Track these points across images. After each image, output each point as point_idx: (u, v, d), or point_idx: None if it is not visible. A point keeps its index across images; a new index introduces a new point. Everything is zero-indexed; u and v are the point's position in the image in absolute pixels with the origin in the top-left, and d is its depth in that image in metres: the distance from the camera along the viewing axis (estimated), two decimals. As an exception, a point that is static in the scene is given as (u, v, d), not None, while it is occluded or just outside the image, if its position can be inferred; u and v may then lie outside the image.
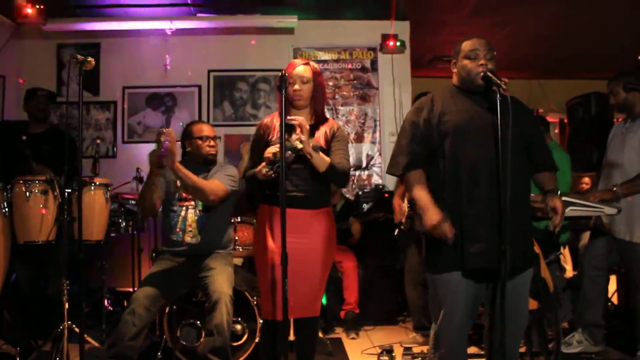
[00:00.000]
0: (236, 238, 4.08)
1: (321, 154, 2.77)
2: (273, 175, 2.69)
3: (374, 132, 6.14)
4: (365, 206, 5.66)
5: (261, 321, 3.41)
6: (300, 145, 2.66)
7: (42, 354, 3.60)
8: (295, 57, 6.04)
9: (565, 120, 6.49)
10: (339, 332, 4.80)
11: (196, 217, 3.56)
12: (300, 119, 2.69)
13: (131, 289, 4.88)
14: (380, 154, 6.11)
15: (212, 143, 3.64)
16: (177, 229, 3.55)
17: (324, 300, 4.53)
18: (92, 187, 3.98)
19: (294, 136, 2.67)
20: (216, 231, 3.60)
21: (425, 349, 4.02)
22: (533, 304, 3.15)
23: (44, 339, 3.70)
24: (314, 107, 2.93)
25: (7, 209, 3.63)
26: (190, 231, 3.54)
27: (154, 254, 3.94)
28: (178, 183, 3.57)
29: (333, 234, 2.94)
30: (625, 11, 5.64)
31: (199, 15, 5.82)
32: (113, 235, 4.69)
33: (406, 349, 4.02)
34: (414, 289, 4.36)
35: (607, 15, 5.75)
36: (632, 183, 3.56)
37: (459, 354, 2.59)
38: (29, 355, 3.60)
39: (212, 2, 5.75)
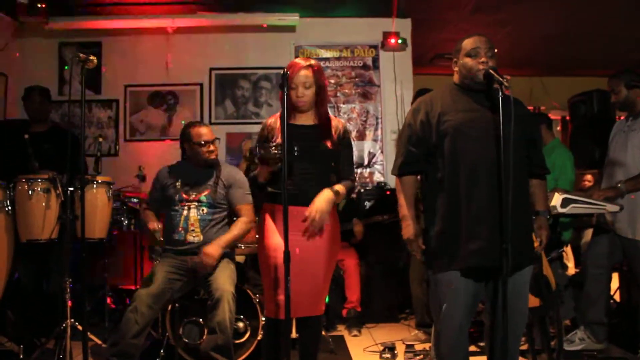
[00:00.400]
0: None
1: (339, 190, 2.82)
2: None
3: (376, 129, 6.14)
4: (367, 204, 5.67)
5: (263, 319, 3.42)
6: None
7: (45, 351, 3.61)
8: (297, 55, 6.04)
9: (567, 118, 6.50)
10: (341, 330, 4.81)
11: (199, 217, 3.56)
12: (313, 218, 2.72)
13: (134, 287, 4.89)
14: (382, 152, 6.11)
15: (211, 148, 3.62)
16: (180, 228, 3.54)
17: (326, 299, 4.53)
18: (95, 185, 3.99)
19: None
20: (219, 230, 3.60)
21: (427, 346, 4.02)
22: (535, 302, 3.15)
23: (47, 336, 3.70)
24: (317, 109, 2.92)
25: (9, 208, 3.64)
26: (193, 230, 3.53)
27: (152, 255, 3.95)
28: (178, 184, 3.58)
29: (337, 233, 2.94)
30: (627, 9, 5.63)
31: (200, 13, 5.83)
32: (115, 233, 4.70)
33: (408, 346, 4.04)
34: (419, 286, 4.35)
35: (609, 13, 5.74)
36: (637, 180, 3.56)
37: (460, 352, 2.59)
38: (32, 353, 3.61)
39: (213, 0, 5.76)
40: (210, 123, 5.86)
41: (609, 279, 3.85)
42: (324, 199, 2.74)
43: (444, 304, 2.56)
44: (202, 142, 3.58)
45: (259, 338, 3.57)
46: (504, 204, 2.32)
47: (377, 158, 6.11)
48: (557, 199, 3.17)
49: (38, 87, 4.46)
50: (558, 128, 8.46)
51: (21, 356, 3.54)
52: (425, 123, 2.61)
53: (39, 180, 3.72)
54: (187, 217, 3.55)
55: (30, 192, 3.67)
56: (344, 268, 4.85)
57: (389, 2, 5.83)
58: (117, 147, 5.98)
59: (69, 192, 3.70)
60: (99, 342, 3.84)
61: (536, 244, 2.68)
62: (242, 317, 3.61)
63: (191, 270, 3.48)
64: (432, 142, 2.60)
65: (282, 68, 2.70)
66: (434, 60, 7.59)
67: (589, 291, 3.80)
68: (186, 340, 3.56)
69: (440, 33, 6.56)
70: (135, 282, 4.88)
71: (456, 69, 2.66)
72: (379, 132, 6.14)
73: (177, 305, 3.60)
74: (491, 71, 2.44)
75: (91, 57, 2.99)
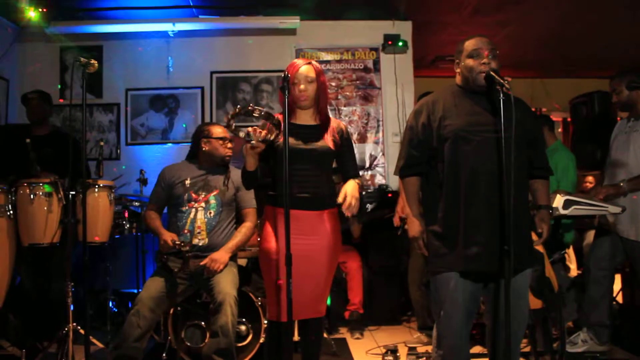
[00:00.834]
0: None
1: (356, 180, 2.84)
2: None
3: (377, 132, 6.14)
4: (369, 206, 5.67)
5: (266, 322, 3.42)
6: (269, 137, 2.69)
7: (48, 355, 3.61)
8: (297, 58, 6.04)
9: (569, 119, 6.50)
10: (344, 333, 4.80)
11: (206, 219, 3.54)
12: (350, 201, 2.67)
13: (136, 291, 4.89)
14: (383, 154, 6.11)
15: (229, 145, 3.65)
16: (185, 230, 3.51)
17: (328, 301, 4.53)
18: (96, 189, 3.99)
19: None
20: (224, 233, 3.59)
21: (429, 348, 4.01)
22: (537, 304, 3.15)
23: (49, 340, 3.70)
24: (318, 106, 2.93)
25: (11, 212, 3.65)
26: (199, 233, 3.50)
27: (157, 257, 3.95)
28: (187, 183, 3.56)
29: (338, 235, 2.93)
30: (628, 11, 5.63)
31: (201, 17, 5.83)
32: (117, 236, 4.70)
33: (410, 348, 4.03)
34: (418, 289, 4.36)
35: (610, 14, 5.74)
36: (639, 180, 3.55)
37: (461, 353, 2.59)
38: (35, 357, 3.62)
39: (214, 3, 5.76)
40: (212, 126, 5.85)
41: (612, 281, 3.84)
42: (353, 186, 2.74)
43: (444, 305, 2.56)
44: (223, 138, 3.61)
45: (261, 341, 3.57)
46: (506, 207, 2.32)
47: (378, 160, 6.11)
48: (559, 201, 3.16)
49: (37, 91, 4.47)
50: (559, 130, 8.46)
51: (23, 360, 3.55)
52: (427, 126, 2.62)
53: (41, 184, 3.72)
54: (194, 220, 3.52)
55: (32, 196, 3.67)
56: (346, 270, 4.85)
57: (389, 5, 5.83)
58: (118, 151, 5.99)
59: (70, 195, 3.70)
60: (101, 345, 3.84)
61: (535, 238, 2.68)
62: (244, 320, 3.61)
63: (194, 274, 3.47)
64: (433, 146, 2.61)
65: (283, 71, 2.71)
66: (434, 63, 7.61)
67: (592, 293, 3.79)
68: (188, 344, 3.56)
69: (440, 35, 6.57)
70: (137, 285, 4.88)
71: (458, 70, 2.67)
72: (380, 134, 6.14)
73: (179, 308, 3.60)
74: (492, 73, 2.44)
75: (92, 61, 2.99)
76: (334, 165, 2.96)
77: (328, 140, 2.87)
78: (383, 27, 6.13)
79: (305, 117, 2.91)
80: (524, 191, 2.61)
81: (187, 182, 3.58)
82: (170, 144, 5.99)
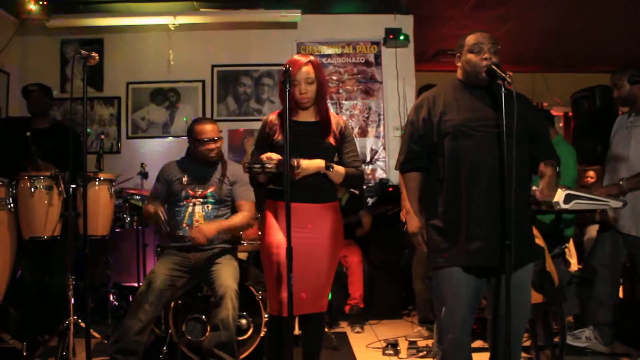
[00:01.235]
0: (241, 233, 4.07)
1: (335, 167, 2.82)
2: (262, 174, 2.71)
3: (378, 126, 6.13)
4: (370, 200, 5.67)
5: (266, 316, 3.42)
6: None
7: (48, 349, 3.61)
8: (298, 52, 6.03)
9: (570, 114, 6.48)
10: (344, 327, 4.81)
11: (204, 213, 3.55)
12: (303, 165, 2.70)
13: (136, 284, 4.89)
14: (384, 148, 6.11)
15: (211, 146, 3.60)
16: (184, 224, 3.54)
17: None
18: (97, 183, 3.98)
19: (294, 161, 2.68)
20: (223, 227, 3.59)
21: (430, 342, 4.01)
22: (538, 298, 3.15)
23: (50, 334, 3.71)
24: (318, 105, 2.92)
25: (12, 205, 3.65)
26: (197, 227, 3.53)
27: (158, 249, 3.95)
28: (184, 180, 3.58)
29: (340, 228, 2.94)
30: (630, 5, 5.61)
31: (202, 10, 5.82)
32: (118, 230, 4.70)
33: (411, 342, 4.03)
34: (422, 283, 4.35)
35: (612, 8, 5.72)
36: (638, 177, 3.55)
37: (463, 348, 2.59)
38: (36, 350, 3.62)
39: (215, -4, 5.76)
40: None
41: (618, 279, 3.83)
42: (313, 162, 2.76)
43: (446, 300, 2.56)
44: (204, 140, 3.58)
45: (262, 335, 3.58)
46: (507, 202, 2.32)
47: (379, 155, 6.10)
48: (560, 195, 3.14)
49: (38, 83, 4.47)
50: (560, 124, 8.45)
51: (24, 353, 3.54)
52: (427, 121, 2.62)
53: (41, 177, 3.71)
54: (192, 214, 3.55)
55: (32, 189, 3.67)
56: (347, 264, 4.86)
57: (390, -1, 5.84)
58: (119, 144, 5.99)
59: (71, 189, 3.70)
60: (102, 339, 3.85)
61: (537, 233, 2.67)
62: (245, 314, 3.61)
63: (194, 267, 3.48)
64: (433, 141, 2.60)
65: (284, 65, 2.69)
66: (436, 57, 7.60)
67: (598, 292, 3.78)
68: (189, 337, 3.56)
69: (442, 29, 6.55)
70: (138, 279, 4.88)
71: (459, 65, 2.66)
72: (381, 128, 6.13)
73: (180, 302, 3.61)
74: (494, 67, 2.43)
75: (93, 54, 2.98)
76: (336, 159, 2.95)
77: (328, 137, 2.87)
78: (384, 21, 6.11)
79: (306, 115, 2.91)
80: (525, 186, 2.60)
81: (184, 179, 3.61)
82: (171, 138, 5.98)
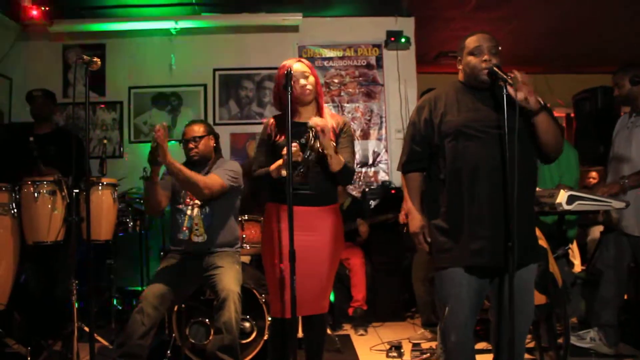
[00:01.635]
0: (243, 236, 4.08)
1: (338, 154, 2.81)
2: (298, 177, 2.71)
3: (380, 128, 6.14)
4: (372, 203, 5.66)
5: (269, 319, 3.42)
6: (320, 148, 2.66)
7: (53, 353, 3.62)
8: (300, 55, 6.04)
9: (572, 115, 6.48)
10: (348, 329, 4.81)
11: (202, 216, 3.56)
12: (319, 121, 2.67)
13: (140, 288, 4.90)
14: (386, 151, 6.11)
15: (190, 145, 3.60)
16: (184, 228, 3.54)
17: (331, 297, 4.54)
18: (100, 187, 4.00)
19: (313, 140, 2.66)
20: (223, 229, 3.59)
21: (433, 344, 4.01)
22: (541, 299, 3.15)
23: (54, 338, 3.72)
24: (318, 101, 2.94)
25: (15, 210, 3.66)
26: (197, 229, 3.53)
27: (161, 253, 3.95)
28: None
29: (340, 231, 2.94)
30: (632, 5, 5.61)
31: (203, 14, 5.84)
32: (121, 234, 4.71)
33: (414, 345, 4.03)
34: (422, 285, 4.35)
35: (614, 9, 5.72)
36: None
37: (466, 349, 2.59)
38: (40, 355, 3.62)
39: (216, 1, 5.76)
40: (214, 124, 5.84)
41: (623, 280, 3.82)
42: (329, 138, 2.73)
43: (449, 301, 2.56)
44: (185, 139, 3.61)
45: (265, 338, 3.58)
46: (509, 203, 2.31)
47: (381, 157, 6.10)
48: (562, 196, 3.15)
49: (42, 89, 4.48)
50: (562, 125, 8.44)
51: (29, 358, 3.55)
52: (429, 122, 2.62)
53: (45, 182, 3.72)
54: (191, 217, 3.55)
55: (36, 194, 3.68)
56: (350, 267, 4.86)
57: (392, 1, 5.82)
58: (121, 149, 6.00)
59: (74, 194, 3.71)
60: (106, 343, 3.85)
61: (539, 234, 2.66)
62: (248, 317, 3.62)
63: (196, 271, 3.48)
64: (435, 142, 2.60)
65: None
66: (437, 59, 7.60)
67: (604, 293, 3.78)
68: (193, 341, 3.57)
69: (443, 31, 6.56)
70: (141, 283, 4.89)
71: (460, 67, 2.66)
72: (383, 131, 6.13)
73: (183, 305, 3.61)
74: (495, 68, 2.43)
75: (95, 59, 2.99)
76: None
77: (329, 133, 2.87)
78: (385, 23, 6.12)
79: (306, 115, 2.91)
80: (528, 187, 2.59)
81: None
82: (173, 142, 5.98)
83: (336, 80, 6.13)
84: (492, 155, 2.45)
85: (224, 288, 3.29)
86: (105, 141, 4.35)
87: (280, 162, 2.74)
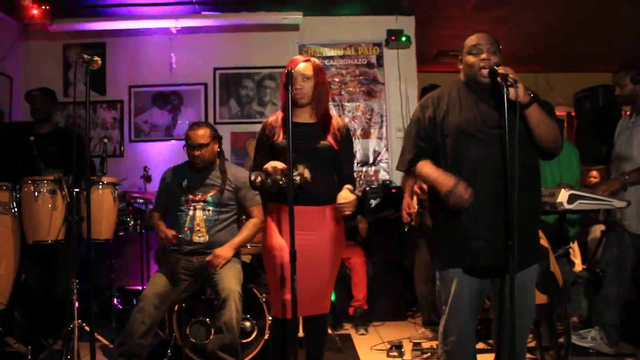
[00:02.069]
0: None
1: (349, 186, 2.81)
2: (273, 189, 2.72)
3: (381, 127, 6.13)
4: (373, 202, 5.65)
5: (270, 318, 3.42)
6: (308, 176, 2.67)
7: (53, 352, 3.62)
8: (300, 54, 6.03)
9: (573, 114, 6.47)
10: (348, 328, 4.80)
11: (205, 217, 3.55)
12: (347, 201, 2.66)
13: (140, 287, 4.90)
14: (387, 150, 6.10)
15: (195, 152, 3.54)
16: (185, 228, 3.54)
17: (332, 297, 4.53)
18: (100, 186, 3.99)
19: (300, 167, 2.66)
20: (224, 230, 3.59)
21: (434, 344, 4.01)
22: (542, 299, 3.14)
23: (54, 337, 3.71)
24: (316, 105, 2.91)
25: (16, 209, 3.66)
26: (199, 230, 3.53)
27: (157, 253, 3.96)
28: (184, 185, 3.57)
29: (341, 230, 2.93)
30: (632, 4, 5.60)
31: (203, 13, 5.83)
32: (121, 234, 4.71)
33: (415, 344, 4.03)
34: (425, 285, 4.35)
35: (614, 8, 5.72)
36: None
37: (467, 348, 2.59)
38: (40, 354, 3.62)
39: (216, 0, 5.76)
40: (215, 123, 5.85)
41: (627, 279, 3.82)
42: (346, 192, 2.72)
43: (449, 301, 2.56)
44: (190, 145, 3.56)
45: (266, 337, 3.57)
46: (509, 203, 2.31)
47: (382, 156, 6.10)
48: (563, 195, 3.14)
49: (42, 88, 4.48)
50: (563, 120, 8.43)
51: (29, 357, 3.55)
52: (432, 119, 2.61)
53: (45, 181, 3.72)
54: (193, 217, 3.54)
55: (36, 193, 3.68)
56: (350, 266, 4.85)
57: (392, 0, 5.82)
58: (122, 148, 6.00)
59: (74, 193, 3.71)
60: (106, 342, 3.85)
61: (542, 235, 2.64)
62: (248, 316, 3.61)
63: (197, 270, 3.48)
64: (436, 141, 2.60)
65: (285, 67, 2.69)
66: (438, 57, 7.59)
67: (607, 293, 3.77)
68: (193, 340, 3.57)
69: (443, 30, 6.56)
70: (141, 282, 4.89)
71: (461, 66, 2.65)
72: (384, 130, 6.12)
73: (183, 305, 3.61)
74: (495, 67, 2.43)
75: (95, 58, 2.98)
76: None
77: (328, 138, 2.86)
78: (386, 22, 6.12)
79: (304, 115, 2.90)
80: (529, 188, 2.57)
81: (184, 183, 3.60)
82: (173, 141, 5.99)
83: (337, 79, 6.13)
84: (493, 156, 2.45)
85: (225, 287, 3.29)
86: (105, 140, 4.34)
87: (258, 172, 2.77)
